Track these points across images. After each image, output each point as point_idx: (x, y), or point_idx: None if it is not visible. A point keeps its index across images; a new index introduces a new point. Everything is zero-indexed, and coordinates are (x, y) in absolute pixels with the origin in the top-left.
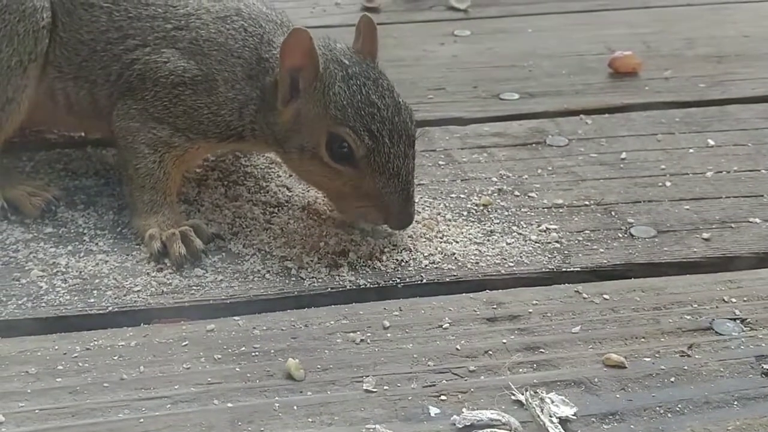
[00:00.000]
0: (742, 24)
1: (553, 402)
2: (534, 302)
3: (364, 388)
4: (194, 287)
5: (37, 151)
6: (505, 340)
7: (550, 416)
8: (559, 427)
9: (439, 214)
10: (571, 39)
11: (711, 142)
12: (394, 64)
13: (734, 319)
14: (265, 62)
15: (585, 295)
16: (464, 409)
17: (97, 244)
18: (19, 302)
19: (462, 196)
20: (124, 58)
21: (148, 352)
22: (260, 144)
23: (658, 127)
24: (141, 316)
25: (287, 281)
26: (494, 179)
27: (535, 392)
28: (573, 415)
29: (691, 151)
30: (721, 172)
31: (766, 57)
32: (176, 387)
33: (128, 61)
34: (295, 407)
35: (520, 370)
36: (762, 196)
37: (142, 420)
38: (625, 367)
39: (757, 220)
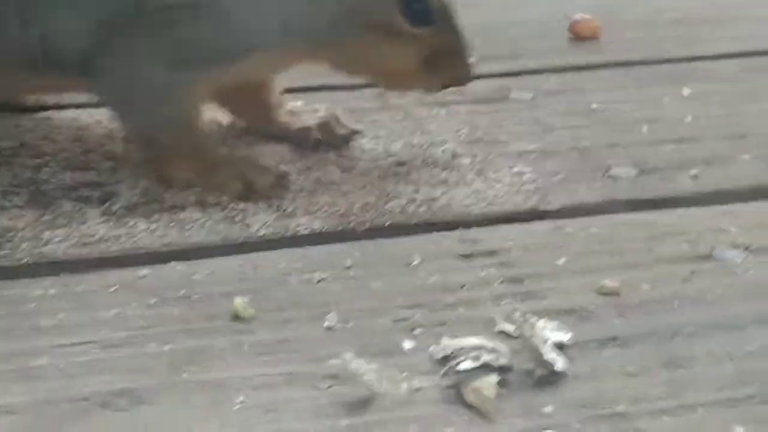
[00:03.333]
0: None
1: (545, 327)
2: (513, 238)
3: (326, 325)
4: (123, 236)
5: None
6: (483, 274)
7: (544, 341)
8: (556, 349)
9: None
10: (532, 8)
11: (686, 92)
12: None
13: (737, 247)
14: None
15: (569, 230)
16: (444, 338)
17: (11, 200)
18: None
19: (424, 145)
20: None
21: (69, 299)
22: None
23: (627, 81)
24: (61, 267)
25: (231, 228)
26: (458, 130)
27: (525, 318)
28: (567, 341)
29: (665, 99)
30: (700, 117)
31: (734, 20)
32: (104, 332)
33: None
34: (245, 346)
35: (503, 302)
36: (746, 136)
37: (63, 366)
38: (620, 295)
39: (746, 157)
